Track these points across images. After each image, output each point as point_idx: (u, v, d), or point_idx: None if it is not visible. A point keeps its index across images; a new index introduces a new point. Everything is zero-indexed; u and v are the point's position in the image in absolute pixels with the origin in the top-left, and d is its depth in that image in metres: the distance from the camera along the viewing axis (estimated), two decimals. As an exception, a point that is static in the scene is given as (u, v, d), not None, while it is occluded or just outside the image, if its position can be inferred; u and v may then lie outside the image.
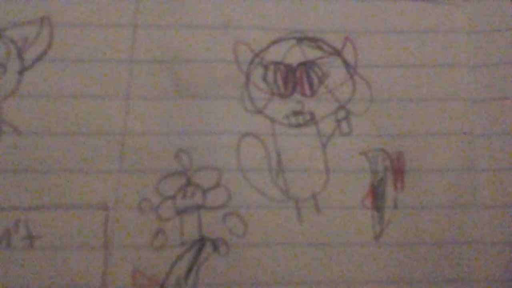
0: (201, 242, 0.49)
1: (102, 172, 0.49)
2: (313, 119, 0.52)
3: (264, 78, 0.52)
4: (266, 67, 0.52)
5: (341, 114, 0.52)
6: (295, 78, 0.52)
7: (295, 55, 0.52)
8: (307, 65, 0.52)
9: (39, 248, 0.48)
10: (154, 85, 0.51)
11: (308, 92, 0.52)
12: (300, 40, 0.53)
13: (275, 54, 0.52)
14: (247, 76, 0.52)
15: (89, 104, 0.50)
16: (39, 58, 0.51)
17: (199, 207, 0.50)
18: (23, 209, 0.48)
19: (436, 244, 0.50)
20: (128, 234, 0.49)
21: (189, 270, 0.49)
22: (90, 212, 0.49)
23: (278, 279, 0.49)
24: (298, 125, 0.52)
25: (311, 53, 0.53)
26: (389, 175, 0.52)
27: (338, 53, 0.53)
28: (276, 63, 0.52)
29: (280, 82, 0.52)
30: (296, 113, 0.52)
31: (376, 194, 0.51)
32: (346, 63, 0.53)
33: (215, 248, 0.49)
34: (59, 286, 0.47)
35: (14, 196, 0.48)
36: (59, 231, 0.48)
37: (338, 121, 0.52)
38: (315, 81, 0.52)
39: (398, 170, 0.52)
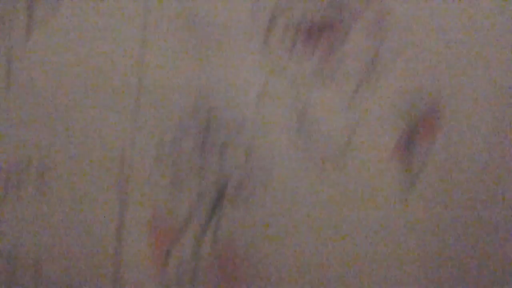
0: (223, 185, 0.47)
1: (118, 112, 0.47)
2: (339, 74, 0.49)
3: (286, 33, 0.49)
4: (288, 23, 0.49)
5: (369, 67, 0.49)
6: (318, 34, 0.49)
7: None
8: (330, 21, 0.49)
9: (52, 186, 0.46)
10: (171, 35, 0.48)
11: (332, 46, 0.49)
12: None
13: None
14: (268, 31, 0.49)
15: (103, 48, 0.48)
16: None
17: (222, 146, 0.47)
18: (37, 146, 0.46)
19: (468, 202, 0.47)
20: (146, 175, 0.47)
21: (210, 217, 0.47)
22: (106, 152, 0.47)
23: (299, 236, 0.47)
24: (322, 81, 0.49)
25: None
26: (420, 127, 0.49)
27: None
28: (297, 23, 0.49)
29: (302, 38, 0.49)
30: (320, 68, 0.49)
31: (406, 148, 0.48)
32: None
33: (237, 195, 0.47)
34: (74, 226, 0.45)
35: (30, 132, 0.46)
36: (74, 169, 0.46)
37: (365, 76, 0.49)
38: (339, 38, 0.49)
39: (430, 122, 0.49)
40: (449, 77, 0.50)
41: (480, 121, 0.49)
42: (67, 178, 0.46)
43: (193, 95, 0.48)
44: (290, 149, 0.48)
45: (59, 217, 0.46)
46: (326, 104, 0.49)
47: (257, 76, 0.48)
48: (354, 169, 0.48)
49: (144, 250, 0.46)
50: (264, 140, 0.48)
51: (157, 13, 0.48)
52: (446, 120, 0.49)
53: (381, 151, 0.48)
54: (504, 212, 0.48)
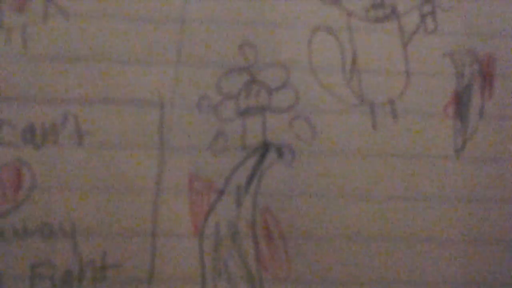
0: (264, 147, 0.44)
1: (158, 64, 0.44)
2: (394, 13, 0.46)
3: (343, -36, 0.46)
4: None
5: (427, 8, 0.47)
6: (377, -34, 0.46)
7: None
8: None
9: (88, 146, 0.43)
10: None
11: (390, -18, 0.46)
12: None
13: None
14: (323, -39, 0.46)
15: (145, -13, 0.45)
16: None
17: (263, 109, 0.45)
18: (72, 102, 0.44)
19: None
20: (185, 135, 0.44)
21: (251, 177, 0.44)
22: (144, 109, 0.44)
23: (347, 192, 0.45)
24: (378, 20, 0.46)
25: None
26: (476, 80, 0.46)
27: None
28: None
29: (360, -31, 0.46)
30: (375, 6, 0.46)
31: (461, 101, 0.46)
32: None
33: (280, 154, 0.44)
34: (110, 188, 0.43)
35: (62, 87, 0.44)
36: (110, 128, 0.44)
37: (423, 16, 0.46)
38: (400, -31, 0.46)
39: (487, 75, 0.46)
40: (507, 26, 0.47)
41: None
42: (105, 132, 0.44)
43: (239, 34, 0.45)
44: (343, 92, 0.45)
45: (96, 171, 0.44)
46: (381, 46, 0.45)
47: (310, 11, 0.45)
48: (408, 122, 0.45)
49: (182, 211, 0.44)
50: (314, 82, 0.45)
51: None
52: (504, 72, 0.46)
53: (436, 103, 0.46)
54: None
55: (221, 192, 0.44)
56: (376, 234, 0.44)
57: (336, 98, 0.45)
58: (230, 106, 0.45)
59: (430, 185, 0.45)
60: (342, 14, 0.46)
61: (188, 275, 0.43)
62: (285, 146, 0.45)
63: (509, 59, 0.46)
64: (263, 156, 0.44)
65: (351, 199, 0.44)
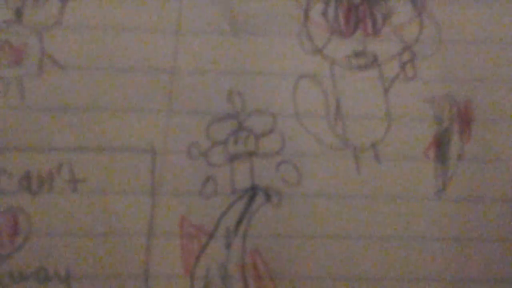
0: (252, 190, 0.46)
1: (149, 113, 0.46)
2: (375, 61, 0.48)
3: (324, 15, 0.48)
4: (326, 3, 0.48)
5: (406, 56, 0.49)
6: (357, 15, 0.49)
7: (358, -10, 0.49)
8: (371, 0, 0.48)
9: (83, 192, 0.45)
10: (207, 20, 0.48)
11: (371, 31, 0.49)
12: (364, -26, 0.49)
13: (336, -11, 0.49)
14: (306, 12, 0.48)
15: (137, 39, 0.47)
16: (84, -12, 0.48)
17: (251, 154, 0.47)
18: (66, 151, 0.46)
19: (504, 201, 0.47)
20: (176, 180, 0.46)
21: (240, 220, 0.46)
22: (136, 156, 0.46)
23: (333, 232, 0.46)
24: (359, 67, 0.48)
25: (376, -11, 0.49)
26: (455, 124, 0.48)
27: (404, -12, 0.49)
28: (337, -2, 0.49)
29: (341, 19, 0.48)
30: (357, 54, 0.48)
31: (441, 145, 0.48)
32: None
33: (267, 197, 0.46)
34: (104, 232, 0.45)
35: (57, 136, 0.46)
36: (104, 175, 0.45)
37: (403, 64, 0.48)
38: (379, 19, 0.49)
39: (465, 120, 0.48)
40: (484, 71, 0.49)
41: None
42: (99, 178, 0.46)
43: (227, 83, 0.47)
44: (327, 137, 0.47)
45: (90, 216, 0.46)
46: (364, 92, 0.47)
47: (294, 60, 0.47)
48: (390, 164, 0.47)
49: (174, 254, 0.46)
50: (300, 128, 0.47)
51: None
52: (481, 116, 0.48)
53: (417, 147, 0.47)
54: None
55: (211, 235, 0.46)
56: (362, 274, 0.46)
57: (321, 142, 0.47)
58: (219, 152, 0.46)
59: (413, 225, 0.46)
60: (326, 62, 0.48)
61: (179, 316, 0.45)
62: (272, 189, 0.46)
63: (487, 104, 0.48)
64: (251, 199, 0.46)
65: (336, 240, 0.46)
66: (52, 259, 0.45)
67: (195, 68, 0.47)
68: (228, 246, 0.46)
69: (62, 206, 0.45)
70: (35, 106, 0.46)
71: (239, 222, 0.46)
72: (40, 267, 0.44)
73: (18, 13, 0.47)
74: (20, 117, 0.46)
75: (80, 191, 0.45)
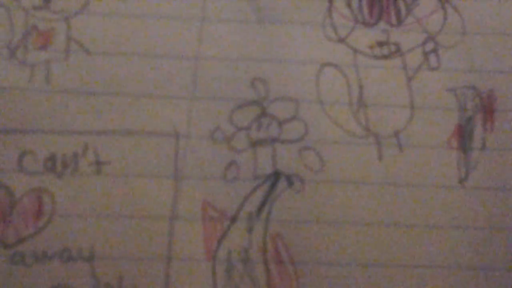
0: (275, 176, 0.46)
1: (173, 98, 0.47)
2: (398, 51, 0.48)
3: (349, 4, 0.49)
4: (350, -7, 0.49)
5: (429, 46, 0.49)
6: (381, 5, 0.49)
7: (382, -19, 0.49)
8: (394, -8, 0.49)
9: (107, 175, 0.46)
10: (231, 7, 0.48)
11: (394, 21, 0.49)
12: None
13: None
14: (330, 1, 0.49)
15: (162, 26, 0.48)
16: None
17: (274, 140, 0.47)
18: (91, 134, 0.46)
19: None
20: (199, 164, 0.46)
21: (262, 205, 0.46)
22: (160, 140, 0.46)
23: (354, 219, 0.46)
24: (383, 57, 0.48)
25: (400, -21, 0.49)
26: (478, 114, 0.48)
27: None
28: (362, -11, 0.49)
29: (365, 9, 0.49)
30: (380, 44, 0.48)
31: (463, 134, 0.48)
32: (437, -9, 0.49)
33: (290, 183, 0.46)
34: (127, 215, 0.45)
35: (83, 119, 0.46)
36: (128, 158, 0.46)
37: (426, 54, 0.49)
38: (403, 9, 0.49)
39: (488, 109, 0.48)
40: (507, 62, 0.49)
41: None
42: (123, 161, 0.46)
43: (251, 70, 0.47)
44: (350, 125, 0.47)
45: (114, 198, 0.46)
46: (386, 81, 0.48)
47: (318, 48, 0.48)
48: (413, 153, 0.47)
49: (196, 237, 0.46)
50: (322, 115, 0.47)
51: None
52: (504, 106, 0.48)
53: (440, 136, 0.47)
54: None
55: (233, 219, 0.46)
56: (383, 261, 0.46)
57: (343, 130, 0.47)
58: (242, 137, 0.47)
59: (434, 214, 0.46)
60: (349, 51, 0.48)
61: (201, 298, 0.45)
62: (294, 175, 0.46)
63: (509, 94, 0.48)
64: (273, 185, 0.46)
65: (357, 226, 0.46)
66: (76, 240, 0.45)
67: (219, 55, 0.48)
68: (250, 230, 0.46)
69: (86, 188, 0.45)
70: (61, 89, 0.46)
71: (261, 207, 0.46)
72: (64, 247, 0.45)
73: (46, -1, 0.48)
74: (46, 100, 0.46)
75: (104, 174, 0.46)
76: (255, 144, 0.46)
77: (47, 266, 0.44)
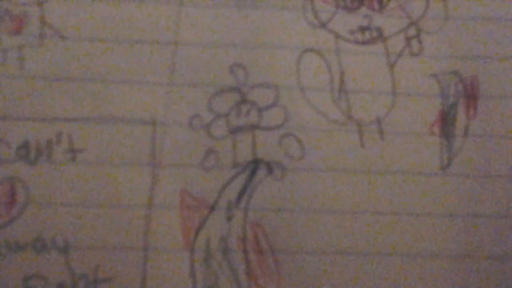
0: (254, 164, 0.45)
1: (150, 84, 0.46)
2: (380, 36, 0.48)
3: (330, -12, 0.48)
4: (332, -24, 0.48)
5: (412, 31, 0.48)
6: (363, -10, 0.48)
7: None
8: (376, -24, 0.48)
9: (82, 163, 0.44)
10: (210, -9, 0.47)
11: (376, 6, 0.48)
12: None
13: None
14: (311, -14, 0.48)
15: (139, 10, 0.46)
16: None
17: (253, 127, 0.46)
18: (66, 121, 0.45)
19: (509, 177, 0.46)
20: (177, 152, 0.45)
21: (241, 194, 0.45)
22: (137, 127, 0.45)
23: (335, 207, 0.45)
24: (364, 42, 0.47)
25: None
26: (461, 100, 0.47)
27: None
28: (344, -28, 0.48)
29: (346, -7, 0.48)
30: (362, 29, 0.48)
31: (446, 121, 0.47)
32: (419, -25, 0.48)
33: (270, 171, 0.45)
34: (103, 203, 0.44)
35: (57, 106, 0.45)
36: (103, 145, 0.45)
37: (408, 39, 0.48)
38: (385, -6, 0.48)
39: (471, 96, 0.47)
40: (491, 48, 0.48)
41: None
42: (98, 149, 0.45)
43: (230, 56, 0.46)
44: (331, 111, 0.46)
45: (89, 187, 0.45)
46: (368, 67, 0.47)
47: (298, 34, 0.47)
48: (395, 140, 0.46)
49: (174, 227, 0.45)
50: (303, 102, 0.46)
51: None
52: (487, 92, 0.48)
53: (422, 122, 0.47)
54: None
55: (212, 208, 0.45)
56: (364, 249, 0.45)
57: (324, 116, 0.46)
58: (221, 124, 0.46)
59: (416, 201, 0.46)
60: (330, 36, 0.47)
61: (179, 288, 0.44)
62: (274, 162, 0.45)
63: (492, 80, 0.47)
64: (253, 173, 0.45)
65: (339, 215, 0.45)
66: (50, 230, 0.44)
67: (197, 40, 0.47)
68: (229, 219, 0.45)
69: (60, 176, 0.44)
70: (34, 75, 0.45)
71: (240, 196, 0.45)
72: (37, 237, 0.43)
73: (19, -18, 0.46)
74: (19, 86, 0.45)
75: (79, 162, 0.45)
76: (234, 131, 0.45)
77: (20, 256, 0.43)
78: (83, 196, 0.44)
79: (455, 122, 0.47)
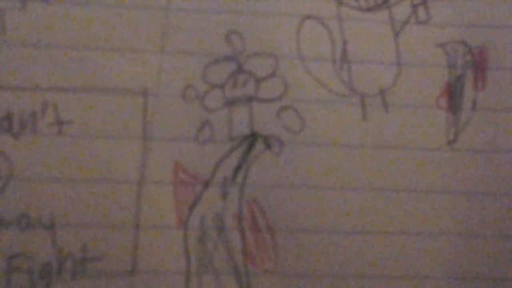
0: (251, 138, 0.43)
1: (142, 52, 0.43)
2: (385, 3, 0.45)
3: (332, -49, 0.45)
4: None
5: (418, -2, 0.45)
6: (367, -47, 0.45)
7: None
8: None
9: (68, 135, 0.42)
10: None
11: (381, -30, 0.45)
12: None
13: None
14: (313, -52, 0.45)
15: (129, -28, 0.44)
16: None
17: (251, 98, 0.44)
18: (52, 90, 0.43)
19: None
20: (170, 124, 0.43)
21: (237, 168, 0.43)
22: (127, 98, 0.43)
23: (336, 183, 0.44)
24: (368, 9, 0.45)
25: None
26: (469, 72, 0.45)
27: None
28: None
29: (350, -44, 0.45)
30: (366, -5, 0.45)
31: (453, 93, 0.45)
32: None
33: (267, 145, 0.43)
34: (91, 179, 0.42)
35: (41, 75, 0.43)
36: (92, 117, 0.42)
37: (414, 6, 0.45)
38: (391, -42, 0.45)
39: (480, 66, 0.45)
40: (501, 17, 0.46)
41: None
42: (86, 121, 0.43)
43: (226, 23, 0.44)
44: (332, 83, 0.44)
45: (77, 161, 0.43)
46: (372, 36, 0.44)
47: (298, 0, 0.44)
48: (399, 113, 0.44)
49: (166, 203, 0.43)
50: (303, 72, 0.44)
51: None
52: (497, 63, 0.45)
53: (428, 95, 0.45)
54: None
55: (206, 184, 0.43)
56: (365, 227, 0.43)
57: (325, 88, 0.44)
58: (216, 95, 0.43)
59: (421, 177, 0.44)
60: (332, 3, 0.45)
61: (172, 268, 0.42)
62: (272, 136, 0.43)
63: (502, 51, 0.46)
64: (250, 147, 0.43)
65: (339, 191, 0.43)
66: (35, 206, 0.42)
67: (192, 6, 0.44)
68: (224, 195, 0.43)
69: (46, 150, 0.42)
70: (17, 41, 0.43)
71: (236, 171, 0.43)
72: (22, 214, 0.41)
73: None
74: (1, 53, 0.42)
75: (65, 134, 0.42)
76: (230, 103, 0.43)
77: (4, 234, 0.41)
78: (70, 171, 0.42)
79: (462, 94, 0.45)
